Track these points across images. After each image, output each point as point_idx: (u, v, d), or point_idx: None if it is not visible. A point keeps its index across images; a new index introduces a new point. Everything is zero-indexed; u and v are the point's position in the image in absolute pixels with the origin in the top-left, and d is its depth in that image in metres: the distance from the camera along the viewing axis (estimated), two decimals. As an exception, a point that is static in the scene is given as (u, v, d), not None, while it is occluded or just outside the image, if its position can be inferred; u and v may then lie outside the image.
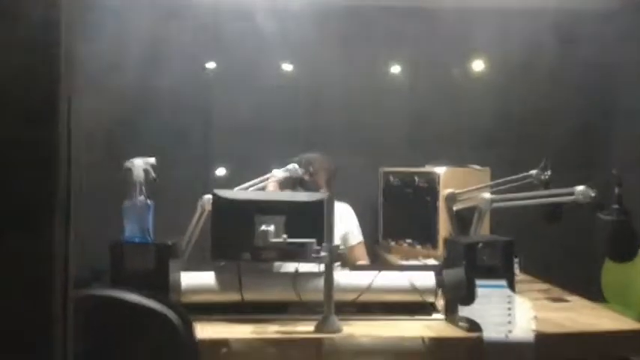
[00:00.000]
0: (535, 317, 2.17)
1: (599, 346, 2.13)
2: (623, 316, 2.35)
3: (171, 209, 2.73)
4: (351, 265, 3.09)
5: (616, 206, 1.94)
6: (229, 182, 2.96)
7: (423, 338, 2.06)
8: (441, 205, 2.88)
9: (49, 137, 0.73)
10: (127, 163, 2.16)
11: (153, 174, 2.16)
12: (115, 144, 3.65)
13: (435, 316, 2.25)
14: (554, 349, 2.09)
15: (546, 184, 2.32)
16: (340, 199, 3.22)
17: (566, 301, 2.53)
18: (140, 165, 2.13)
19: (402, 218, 3.32)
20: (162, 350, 1.32)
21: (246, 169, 3.00)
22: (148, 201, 2.15)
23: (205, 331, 1.98)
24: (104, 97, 3.76)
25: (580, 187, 2.05)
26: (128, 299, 1.29)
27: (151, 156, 2.23)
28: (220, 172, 4.09)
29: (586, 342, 2.12)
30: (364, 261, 3.28)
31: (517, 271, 2.40)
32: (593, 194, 2.01)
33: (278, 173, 2.71)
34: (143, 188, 2.13)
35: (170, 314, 1.29)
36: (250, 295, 2.24)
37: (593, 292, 3.30)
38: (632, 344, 2.13)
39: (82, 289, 1.55)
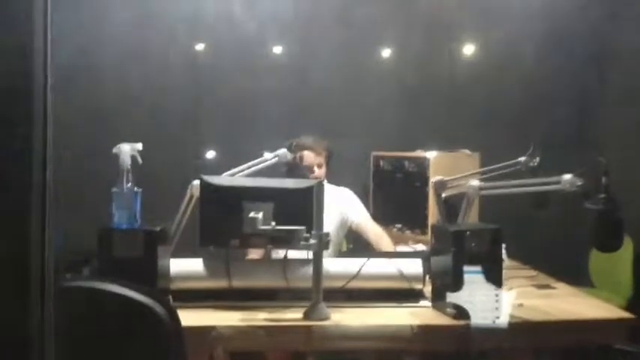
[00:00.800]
0: (521, 305, 2.18)
1: (583, 334, 2.14)
2: (610, 303, 2.36)
3: (161, 195, 2.72)
4: (375, 244, 3.05)
5: (602, 195, 1.93)
6: (220, 167, 2.94)
7: (411, 325, 2.07)
8: (431, 190, 2.88)
9: (25, 125, 0.72)
10: (115, 149, 2.14)
11: (140, 160, 2.14)
12: (103, 129, 3.62)
13: (422, 302, 2.26)
14: (538, 336, 2.11)
15: (534, 172, 2.31)
16: (338, 184, 3.19)
17: (553, 288, 2.55)
18: (127, 151, 2.11)
19: (392, 203, 3.32)
20: (148, 342, 1.32)
21: (237, 154, 2.98)
22: (136, 187, 2.13)
23: (193, 318, 1.98)
24: (90, 82, 3.75)
25: (567, 176, 2.04)
26: (112, 291, 1.29)
27: (138, 141, 2.20)
28: (211, 155, 4.07)
29: (570, 330, 2.13)
30: (381, 234, 3.11)
31: (505, 258, 2.41)
32: (579, 183, 2.00)
33: (268, 157, 2.69)
34: (130, 175, 2.12)
35: (155, 306, 1.29)
36: (238, 282, 2.24)
37: (582, 279, 3.32)
38: (615, 333, 2.15)
39: (71, 275, 1.55)
